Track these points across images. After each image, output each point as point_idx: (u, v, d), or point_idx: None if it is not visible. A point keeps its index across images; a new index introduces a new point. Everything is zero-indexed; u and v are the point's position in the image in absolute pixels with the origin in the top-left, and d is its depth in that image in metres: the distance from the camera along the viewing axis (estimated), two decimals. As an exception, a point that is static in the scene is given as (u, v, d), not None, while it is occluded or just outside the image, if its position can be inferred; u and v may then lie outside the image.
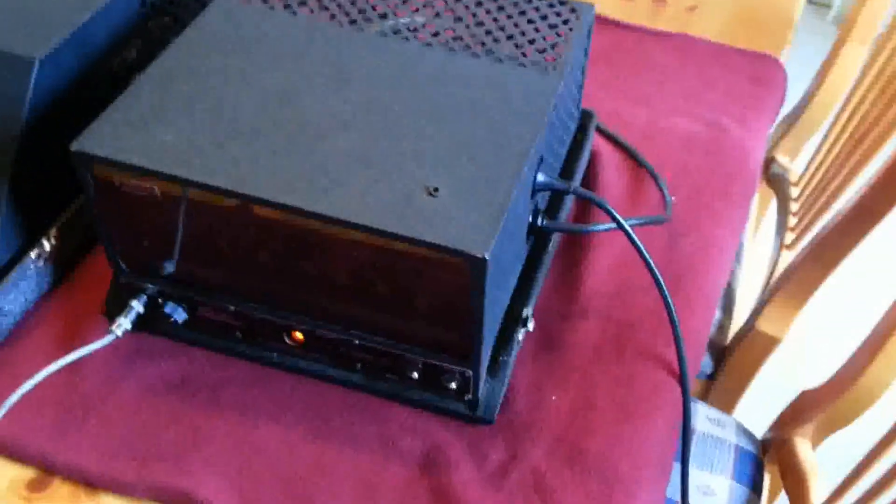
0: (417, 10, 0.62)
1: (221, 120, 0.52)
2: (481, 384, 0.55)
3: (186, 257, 0.55)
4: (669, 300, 0.58)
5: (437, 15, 0.62)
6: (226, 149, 0.50)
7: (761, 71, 0.92)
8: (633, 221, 0.65)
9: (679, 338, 0.59)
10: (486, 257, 0.45)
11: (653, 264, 0.57)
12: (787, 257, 1.07)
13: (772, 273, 1.07)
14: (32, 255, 0.59)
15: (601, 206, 0.56)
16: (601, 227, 0.59)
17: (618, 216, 0.56)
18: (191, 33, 0.58)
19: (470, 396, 0.55)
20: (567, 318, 0.63)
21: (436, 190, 0.48)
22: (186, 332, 0.59)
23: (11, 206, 0.57)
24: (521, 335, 0.56)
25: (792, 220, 1.12)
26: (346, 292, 0.53)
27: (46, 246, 0.60)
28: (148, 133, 0.51)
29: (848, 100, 1.07)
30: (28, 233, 0.59)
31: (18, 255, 0.58)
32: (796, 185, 1.19)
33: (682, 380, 0.59)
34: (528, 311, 0.58)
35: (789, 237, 1.09)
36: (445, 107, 0.54)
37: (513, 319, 0.57)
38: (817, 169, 1.09)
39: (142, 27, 0.66)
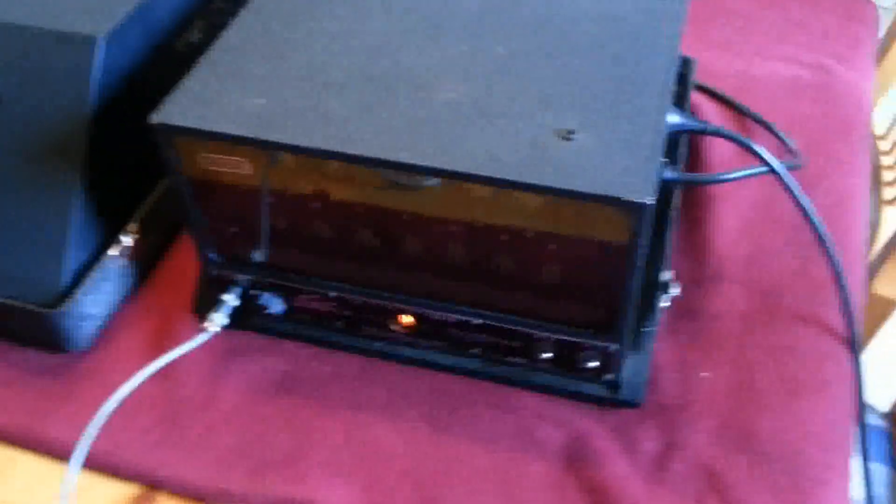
0: None
1: (312, 79, 0.46)
2: (624, 361, 0.47)
3: (281, 242, 0.49)
4: (836, 259, 0.51)
5: None
6: (322, 108, 0.44)
7: (852, 8, 0.84)
8: (756, 169, 0.57)
9: (847, 299, 0.52)
10: (651, 203, 0.38)
11: (813, 213, 0.50)
12: (893, 214, 0.99)
13: (875, 232, 0.99)
14: (113, 252, 0.53)
15: (747, 147, 0.49)
16: (745, 172, 0.52)
17: (768, 156, 0.49)
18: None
19: (612, 376, 0.48)
20: (700, 285, 0.56)
21: (570, 133, 0.41)
22: (283, 325, 0.53)
23: (87, 199, 0.51)
24: (664, 302, 0.49)
25: (887, 175, 1.04)
26: (466, 266, 0.46)
27: (127, 242, 0.54)
28: (233, 99, 0.44)
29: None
30: (106, 229, 0.53)
31: (98, 254, 0.52)
32: (883, 138, 1.11)
33: (853, 348, 0.51)
34: (667, 275, 0.50)
35: (889, 193, 1.01)
36: (561, 42, 0.47)
37: (650, 285, 0.50)
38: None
39: (204, 7, 0.60)
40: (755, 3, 0.85)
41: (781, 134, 0.66)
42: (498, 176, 0.40)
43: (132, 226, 0.54)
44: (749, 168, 0.53)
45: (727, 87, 0.72)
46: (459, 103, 0.43)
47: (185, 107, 0.44)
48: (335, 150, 0.42)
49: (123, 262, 0.54)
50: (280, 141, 0.42)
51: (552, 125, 0.42)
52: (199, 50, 0.60)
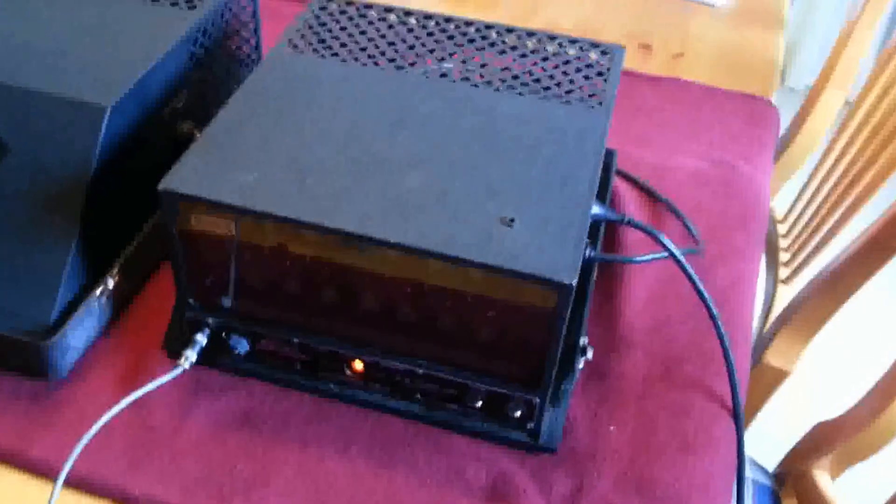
0: (444, 59, 0.65)
1: (296, 160, 0.53)
2: (545, 413, 0.56)
3: (253, 292, 0.56)
4: (723, 331, 0.60)
5: (464, 62, 0.65)
6: (306, 186, 0.52)
7: (756, 111, 0.96)
8: (658, 255, 0.68)
9: (733, 370, 0.61)
10: (573, 283, 0.47)
11: (706, 295, 0.59)
12: (785, 291, 1.11)
13: (769, 308, 1.11)
14: (97, 292, 0.59)
15: (654, 237, 0.59)
16: (652, 256, 0.62)
17: (671, 246, 0.59)
18: (252, 82, 0.60)
19: (532, 425, 0.56)
20: (612, 350, 0.65)
21: (511, 221, 0.50)
22: (247, 364, 0.59)
23: (80, 248, 0.57)
24: (580, 363, 0.58)
25: (784, 256, 1.17)
26: (414, 323, 0.54)
27: (110, 284, 0.60)
28: (230, 173, 0.52)
29: (833, 142, 1.12)
30: (92, 272, 0.59)
31: (82, 294, 0.58)
32: (782, 222, 1.24)
33: (735, 413, 0.61)
34: (584, 340, 0.59)
35: (784, 272, 1.13)
36: (504, 143, 0.56)
37: (570, 348, 0.59)
38: (806, 207, 1.14)
39: (189, 78, 0.67)
40: (672, 103, 0.96)
41: (688, 221, 0.77)
42: (451, 254, 0.48)
43: (115, 269, 0.61)
44: (655, 253, 0.63)
45: (644, 174, 0.83)
46: (421, 190, 0.52)
47: (188, 177, 0.51)
48: (313, 221, 0.50)
49: (104, 301, 0.60)
50: (266, 211, 0.50)
51: (496, 213, 0.51)
52: (182, 115, 0.68)
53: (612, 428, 0.59)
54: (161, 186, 0.51)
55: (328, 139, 0.55)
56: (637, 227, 0.60)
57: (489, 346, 0.53)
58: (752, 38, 1.07)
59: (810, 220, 1.11)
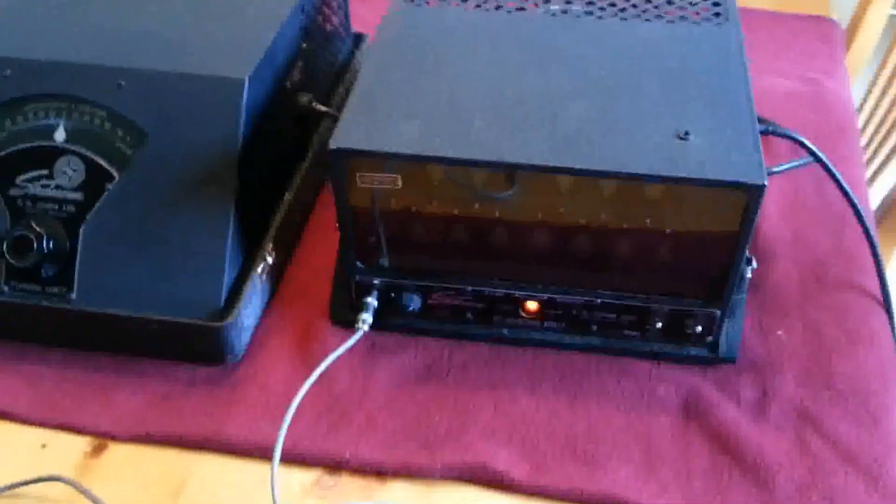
0: None
1: (454, 104, 0.54)
2: (724, 325, 0.56)
3: (422, 247, 0.56)
4: (872, 230, 0.61)
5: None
6: (475, 127, 0.52)
7: (823, 30, 0.97)
8: (798, 162, 0.68)
9: (881, 266, 0.62)
10: (765, 184, 0.47)
11: (854, 198, 0.60)
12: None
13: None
14: (258, 269, 0.59)
15: (801, 143, 0.59)
16: (799, 162, 0.62)
17: (818, 152, 0.59)
18: (382, 37, 0.60)
19: (711, 338, 0.57)
20: (760, 262, 0.66)
21: (686, 134, 0.51)
22: (420, 320, 0.59)
23: (236, 226, 0.57)
24: (748, 273, 0.59)
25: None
26: (592, 256, 0.54)
27: (269, 260, 0.60)
28: (395, 125, 0.52)
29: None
30: (246, 249, 0.59)
31: (243, 272, 0.59)
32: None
33: (887, 305, 0.62)
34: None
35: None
36: (652, 65, 0.57)
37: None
38: (869, 118, 1.15)
39: (300, 49, 0.67)
40: (746, 33, 0.97)
41: (800, 137, 0.77)
42: (639, 172, 0.48)
43: (269, 246, 0.61)
44: (799, 160, 0.63)
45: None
46: (590, 117, 0.52)
47: (356, 134, 0.52)
48: (495, 160, 0.50)
49: (264, 277, 0.61)
50: (444, 155, 0.50)
51: (670, 130, 0.51)
52: (300, 87, 0.68)
53: (780, 333, 0.60)
54: (332, 146, 0.51)
55: (478, 81, 0.55)
56: (783, 135, 0.60)
57: (668, 266, 0.54)
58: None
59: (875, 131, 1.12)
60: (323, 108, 0.67)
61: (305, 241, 0.68)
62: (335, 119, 0.68)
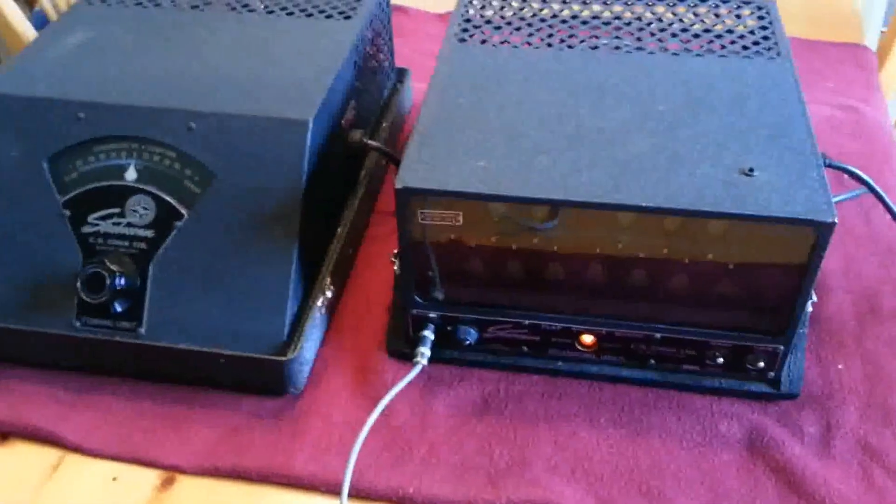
0: (596, 35, 0.66)
1: (515, 141, 0.54)
2: (786, 360, 0.56)
3: (480, 281, 0.57)
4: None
5: (619, 36, 0.66)
6: (538, 164, 0.52)
7: (859, 57, 0.98)
8: (853, 193, 0.69)
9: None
10: (835, 221, 0.48)
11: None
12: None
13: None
14: (318, 303, 0.60)
15: (859, 178, 0.59)
16: (851, 193, 0.62)
17: (872, 183, 0.60)
18: (439, 77, 0.61)
19: (774, 374, 0.57)
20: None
21: (751, 170, 0.51)
22: (476, 353, 0.60)
23: (300, 261, 0.58)
24: (809, 307, 0.59)
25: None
26: (650, 290, 0.54)
27: (329, 294, 0.61)
28: (459, 163, 0.53)
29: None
30: (305, 284, 0.60)
31: (303, 307, 0.59)
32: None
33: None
34: (807, 284, 0.60)
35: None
36: (709, 101, 0.57)
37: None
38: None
39: (354, 87, 0.68)
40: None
41: (859, 172, 0.77)
42: (705, 209, 0.49)
43: (326, 281, 0.62)
44: (851, 192, 0.63)
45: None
46: (651, 153, 0.53)
47: (422, 173, 0.52)
48: (559, 198, 0.50)
49: (323, 310, 0.61)
50: (509, 194, 0.51)
51: (733, 166, 0.51)
52: (354, 124, 0.69)
53: (840, 367, 0.60)
54: (398, 185, 0.52)
55: (537, 118, 0.56)
56: (839, 168, 0.60)
57: (729, 300, 0.54)
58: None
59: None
60: (374, 144, 0.68)
61: (355, 273, 0.68)
62: (385, 154, 0.69)
